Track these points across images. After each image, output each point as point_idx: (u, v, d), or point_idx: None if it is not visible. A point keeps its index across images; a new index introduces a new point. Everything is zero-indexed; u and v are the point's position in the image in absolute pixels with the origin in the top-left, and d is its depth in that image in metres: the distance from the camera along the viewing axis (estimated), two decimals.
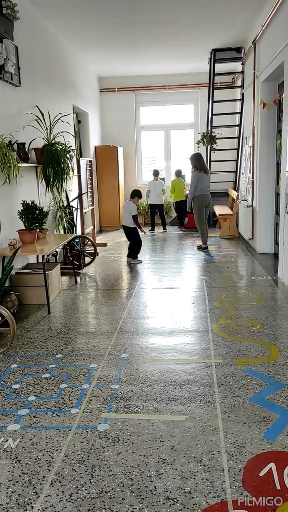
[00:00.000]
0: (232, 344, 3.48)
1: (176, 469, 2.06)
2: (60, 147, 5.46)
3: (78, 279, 5.77)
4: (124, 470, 2.07)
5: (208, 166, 8.55)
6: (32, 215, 4.76)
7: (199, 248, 7.35)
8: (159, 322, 4.07)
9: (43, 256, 4.52)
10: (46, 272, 4.51)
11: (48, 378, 3.02)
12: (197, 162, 7.24)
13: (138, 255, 6.68)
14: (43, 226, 5.00)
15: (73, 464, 2.12)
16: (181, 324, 4.00)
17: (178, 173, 9.69)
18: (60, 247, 5.48)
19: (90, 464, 2.11)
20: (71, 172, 5.66)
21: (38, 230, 4.88)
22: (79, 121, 8.70)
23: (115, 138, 10.35)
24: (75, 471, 2.07)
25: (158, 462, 2.11)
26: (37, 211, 4.82)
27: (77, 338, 3.74)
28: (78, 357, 3.35)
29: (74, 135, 7.31)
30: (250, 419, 2.44)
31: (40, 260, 5.24)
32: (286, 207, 5.01)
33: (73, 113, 7.76)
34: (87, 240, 6.56)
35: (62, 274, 5.67)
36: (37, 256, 5.29)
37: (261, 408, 2.55)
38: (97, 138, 9.89)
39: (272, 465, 2.06)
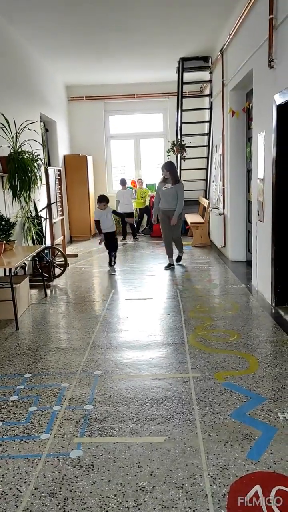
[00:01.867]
0: (210, 357, 3.37)
1: (156, 498, 1.90)
2: (27, 155, 5.28)
3: (48, 292, 5.56)
4: (100, 501, 1.90)
5: (178, 175, 8.45)
6: None
7: (179, 259, 6.81)
8: (133, 335, 3.92)
9: (10, 269, 4.31)
10: (14, 286, 4.29)
11: (16, 400, 2.82)
12: (176, 171, 6.66)
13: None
14: (10, 238, 4.80)
15: (44, 497, 1.94)
16: (156, 336, 3.86)
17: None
18: (29, 259, 5.26)
19: (62, 497, 1.93)
20: (39, 182, 5.48)
21: (4, 242, 4.67)
22: (46, 130, 8.51)
23: (84, 147, 10.20)
24: (45, 505, 1.89)
25: (137, 490, 1.96)
26: (3, 222, 4.63)
27: (47, 355, 3.54)
28: (48, 376, 3.16)
29: (41, 143, 7.12)
30: (232, 437, 2.32)
31: (7, 274, 5.00)
32: (258, 215, 4.98)
33: (41, 121, 7.57)
34: (57, 251, 6.36)
35: (31, 287, 5.44)
36: (4, 269, 5.06)
37: (242, 424, 2.43)
38: (66, 147, 9.71)
39: (257, 488, 1.94)
